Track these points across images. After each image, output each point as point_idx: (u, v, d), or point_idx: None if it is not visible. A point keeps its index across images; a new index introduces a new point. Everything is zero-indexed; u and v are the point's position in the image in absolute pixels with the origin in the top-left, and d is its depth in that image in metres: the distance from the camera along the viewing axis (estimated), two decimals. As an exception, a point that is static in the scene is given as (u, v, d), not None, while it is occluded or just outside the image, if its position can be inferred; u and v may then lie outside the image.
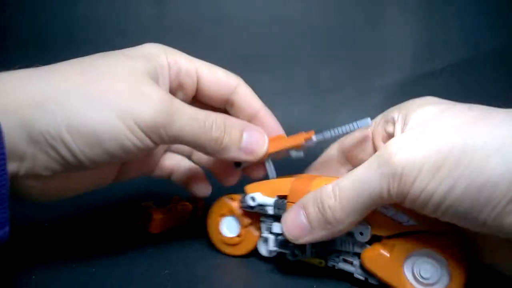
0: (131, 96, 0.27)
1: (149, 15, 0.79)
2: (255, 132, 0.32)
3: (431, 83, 0.79)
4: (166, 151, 0.39)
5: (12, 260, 0.33)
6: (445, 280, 0.26)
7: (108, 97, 0.26)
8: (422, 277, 0.27)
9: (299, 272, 0.32)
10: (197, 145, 0.30)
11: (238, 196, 0.34)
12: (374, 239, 0.29)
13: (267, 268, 0.33)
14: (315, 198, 0.28)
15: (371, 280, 0.29)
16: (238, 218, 0.34)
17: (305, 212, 0.28)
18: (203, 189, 0.38)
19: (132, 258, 0.34)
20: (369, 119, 0.31)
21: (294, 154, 0.33)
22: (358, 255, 0.29)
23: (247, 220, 0.33)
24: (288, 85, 0.79)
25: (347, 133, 0.32)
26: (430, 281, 0.27)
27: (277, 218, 0.32)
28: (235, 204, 0.34)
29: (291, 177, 0.32)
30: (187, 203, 0.41)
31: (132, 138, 0.27)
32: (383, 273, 0.28)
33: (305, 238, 0.28)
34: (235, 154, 0.31)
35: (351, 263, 0.30)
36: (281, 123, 0.35)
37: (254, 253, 0.34)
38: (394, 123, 0.30)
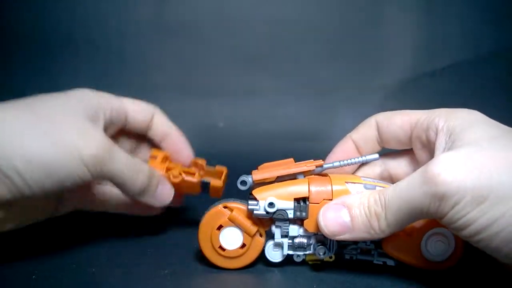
0: (79, 134, 0.31)
1: (149, 15, 0.79)
2: (166, 186, 0.37)
3: (431, 83, 0.79)
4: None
5: (12, 260, 0.33)
6: (451, 248, 0.31)
7: (58, 133, 0.30)
8: (436, 252, 0.31)
9: (298, 272, 0.32)
10: (123, 187, 0.34)
11: (233, 204, 0.32)
12: None
13: (266, 268, 0.33)
14: (362, 202, 0.29)
15: (389, 263, 0.32)
16: (242, 227, 0.32)
17: (350, 213, 0.29)
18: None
19: (132, 258, 0.34)
20: (377, 155, 0.34)
21: (299, 177, 0.33)
22: (373, 243, 0.32)
23: (254, 228, 0.32)
24: (288, 85, 0.78)
25: (355, 163, 0.34)
26: (441, 253, 0.31)
27: (292, 221, 0.32)
28: (236, 213, 0.32)
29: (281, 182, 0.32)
30: (196, 173, 0.39)
31: (76, 169, 0.30)
32: (405, 255, 0.32)
33: (344, 235, 0.29)
34: (149, 199, 0.36)
35: (369, 252, 0.32)
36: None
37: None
38: (437, 132, 0.30)
